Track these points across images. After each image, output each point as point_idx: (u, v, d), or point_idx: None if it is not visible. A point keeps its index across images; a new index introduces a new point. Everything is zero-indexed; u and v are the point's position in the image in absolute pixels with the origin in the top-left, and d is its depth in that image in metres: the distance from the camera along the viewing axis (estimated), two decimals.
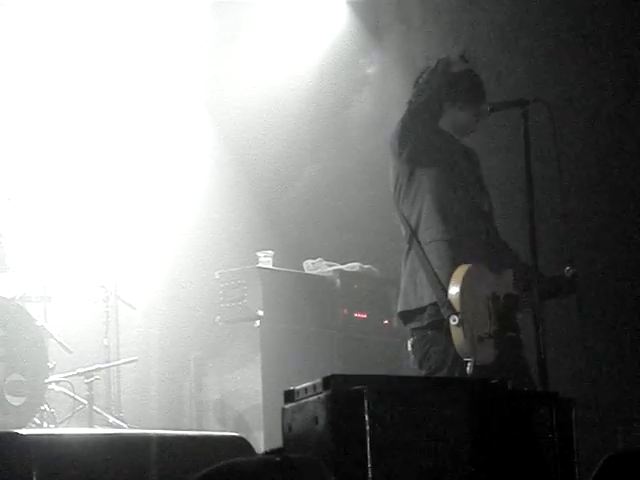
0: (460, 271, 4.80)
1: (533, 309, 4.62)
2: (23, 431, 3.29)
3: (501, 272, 4.96)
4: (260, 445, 6.42)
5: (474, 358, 4.67)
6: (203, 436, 3.54)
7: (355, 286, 7.65)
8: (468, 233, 4.97)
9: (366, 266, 7.89)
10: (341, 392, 2.74)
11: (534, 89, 6.00)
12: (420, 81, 5.16)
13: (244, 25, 8.20)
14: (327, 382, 2.81)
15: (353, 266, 7.84)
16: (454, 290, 4.77)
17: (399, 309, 5.01)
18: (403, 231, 5.06)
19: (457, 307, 4.72)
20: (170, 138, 8.48)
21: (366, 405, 2.70)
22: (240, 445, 3.32)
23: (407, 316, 4.98)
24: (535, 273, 4.68)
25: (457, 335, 4.72)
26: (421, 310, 4.89)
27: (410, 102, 5.14)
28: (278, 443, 3.14)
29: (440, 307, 4.78)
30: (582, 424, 3.39)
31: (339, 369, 7.10)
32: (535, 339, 4.56)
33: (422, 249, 4.91)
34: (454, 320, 4.71)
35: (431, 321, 4.84)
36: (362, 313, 7.63)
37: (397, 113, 5.31)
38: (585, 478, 3.70)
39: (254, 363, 6.95)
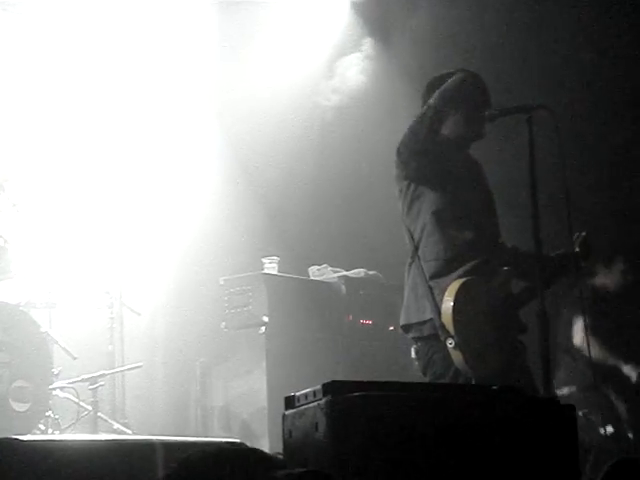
0: (452, 289, 4.83)
1: (539, 316, 4.60)
2: (26, 437, 3.29)
3: (498, 273, 4.96)
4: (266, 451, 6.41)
5: (475, 375, 4.69)
6: (205, 442, 3.53)
7: (360, 292, 7.64)
8: (468, 249, 4.98)
9: (371, 272, 7.89)
10: (340, 398, 2.73)
11: (538, 96, 5.98)
12: (428, 91, 5.18)
13: (251, 27, 8.20)
14: (327, 388, 2.81)
15: (358, 272, 7.84)
16: (447, 309, 4.80)
17: (401, 322, 5.04)
18: (407, 243, 5.08)
19: (451, 328, 4.77)
20: (176, 144, 8.49)
21: (365, 411, 2.70)
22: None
23: (408, 328, 5.01)
24: (538, 264, 4.67)
25: (456, 356, 4.76)
26: (421, 323, 4.91)
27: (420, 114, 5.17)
28: (281, 449, 3.14)
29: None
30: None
31: (344, 375, 7.10)
32: (539, 344, 4.56)
33: (422, 265, 4.94)
34: (450, 343, 4.75)
35: (431, 333, 4.87)
36: (367, 319, 7.62)
37: (404, 119, 5.31)
38: None
39: (259, 369, 6.94)
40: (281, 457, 2.78)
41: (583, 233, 5.17)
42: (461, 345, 4.73)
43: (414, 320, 4.94)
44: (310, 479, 2.47)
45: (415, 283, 4.97)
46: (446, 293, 4.82)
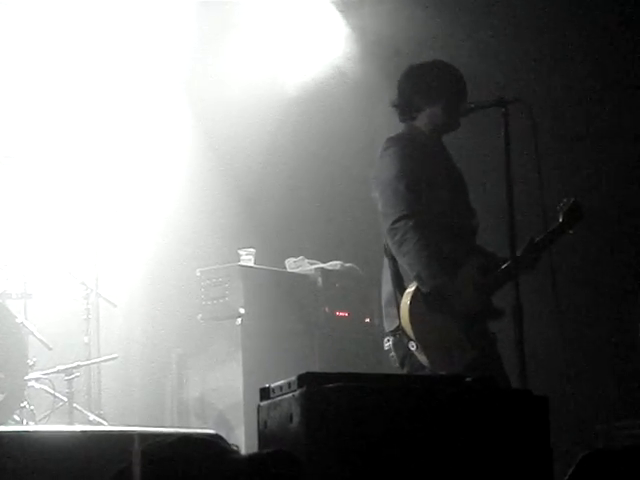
0: (409, 292, 4.84)
1: (513, 307, 4.63)
2: (0, 428, 3.28)
3: (465, 262, 4.97)
4: (241, 443, 6.42)
5: (445, 372, 4.71)
6: (180, 434, 3.53)
7: (337, 284, 7.65)
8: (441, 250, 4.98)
9: (348, 264, 7.90)
10: (315, 390, 2.74)
11: (514, 89, 6.00)
12: (404, 80, 5.19)
13: (228, 21, 8.19)
14: (302, 380, 2.82)
15: (335, 264, 7.85)
16: (404, 313, 4.83)
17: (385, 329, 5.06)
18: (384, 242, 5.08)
19: (410, 332, 4.78)
20: (151, 134, 8.47)
21: (340, 403, 2.71)
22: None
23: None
24: (512, 257, 4.69)
25: (421, 358, 4.78)
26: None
27: (394, 104, 5.18)
28: (256, 440, 3.15)
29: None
30: (559, 422, 3.39)
31: (320, 367, 7.11)
32: (514, 336, 4.58)
33: (392, 266, 4.95)
34: (412, 346, 4.78)
35: None
36: (343, 311, 7.64)
37: (381, 111, 5.34)
38: (561, 477, 3.71)
39: (235, 361, 6.94)
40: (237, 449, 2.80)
41: (572, 199, 5.18)
42: (423, 348, 4.76)
43: (393, 327, 4.96)
44: (278, 458, 2.49)
45: (387, 282, 5.00)
46: (403, 297, 4.85)
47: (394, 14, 7.90)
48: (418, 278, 4.82)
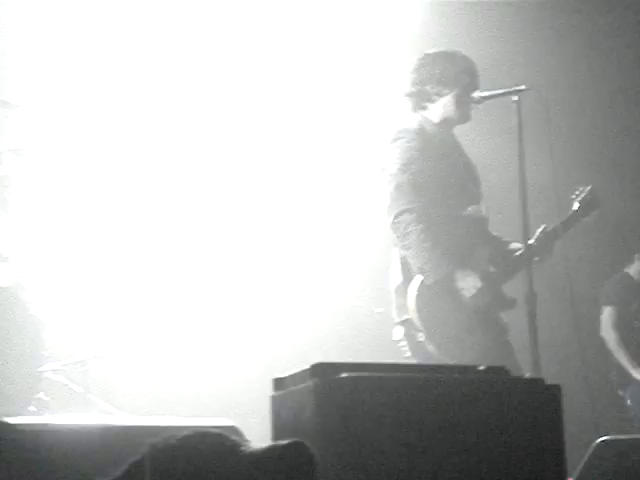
0: (415, 283, 4.84)
1: (527, 296, 4.63)
2: (16, 420, 3.29)
3: (473, 253, 4.97)
4: (255, 432, 6.43)
5: (454, 362, 4.72)
6: (195, 424, 3.54)
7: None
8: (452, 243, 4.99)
9: None
10: (328, 380, 2.75)
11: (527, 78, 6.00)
12: (418, 68, 5.19)
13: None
14: (315, 370, 2.82)
15: None
16: (411, 304, 4.84)
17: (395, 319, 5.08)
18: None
19: (419, 324, 4.79)
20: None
21: (353, 393, 2.71)
22: (232, 433, 3.32)
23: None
24: (525, 245, 4.70)
25: (430, 348, 4.78)
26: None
27: (406, 94, 5.18)
28: (269, 431, 3.16)
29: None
30: (573, 410, 3.40)
31: (333, 357, 7.12)
32: (528, 324, 4.58)
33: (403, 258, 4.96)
34: (421, 337, 4.79)
35: None
36: (356, 301, 7.64)
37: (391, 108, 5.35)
38: (576, 465, 3.72)
39: (250, 351, 6.96)
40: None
41: (588, 187, 5.19)
42: (431, 338, 4.77)
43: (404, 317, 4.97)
44: (292, 450, 2.50)
45: (395, 272, 5.02)
46: (411, 287, 4.85)
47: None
48: (422, 270, 4.82)
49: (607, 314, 7.50)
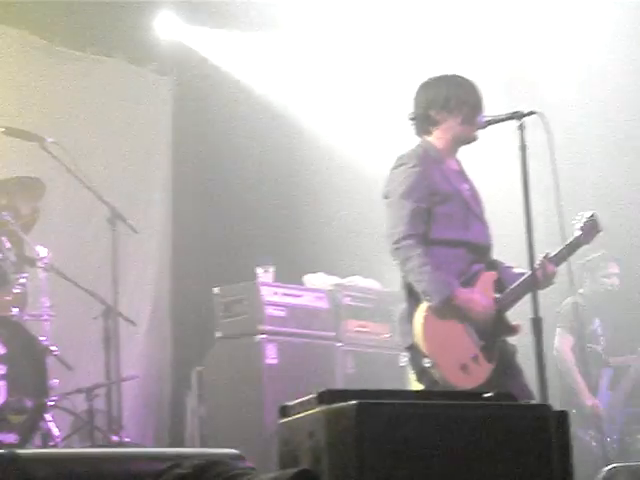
0: (422, 308, 4.84)
1: (533, 320, 4.61)
2: (23, 451, 3.28)
3: (479, 278, 4.97)
4: (262, 461, 6.41)
5: (460, 388, 4.71)
6: (201, 453, 3.53)
7: (356, 299, 7.65)
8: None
9: (367, 279, 7.90)
10: (335, 407, 2.74)
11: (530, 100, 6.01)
12: (418, 95, 5.19)
13: None
14: (321, 397, 2.82)
15: (354, 280, 7.85)
16: (417, 331, 4.82)
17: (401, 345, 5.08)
18: None
19: (424, 350, 4.78)
20: (167, 146, 8.52)
21: (361, 420, 2.70)
22: (238, 461, 3.32)
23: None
24: (531, 269, 4.69)
25: (435, 374, 4.77)
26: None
27: (410, 118, 5.18)
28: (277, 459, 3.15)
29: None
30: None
31: (341, 383, 7.11)
32: (535, 350, 4.57)
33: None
34: (427, 363, 4.78)
35: None
36: (363, 327, 7.64)
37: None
38: None
39: (256, 378, 6.95)
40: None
41: (590, 213, 5.20)
42: (437, 364, 4.76)
43: (408, 343, 4.96)
44: (302, 477, 2.49)
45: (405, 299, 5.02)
46: (417, 313, 4.84)
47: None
48: (425, 294, 4.82)
49: (562, 336, 7.52)
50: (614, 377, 7.50)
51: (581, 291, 7.65)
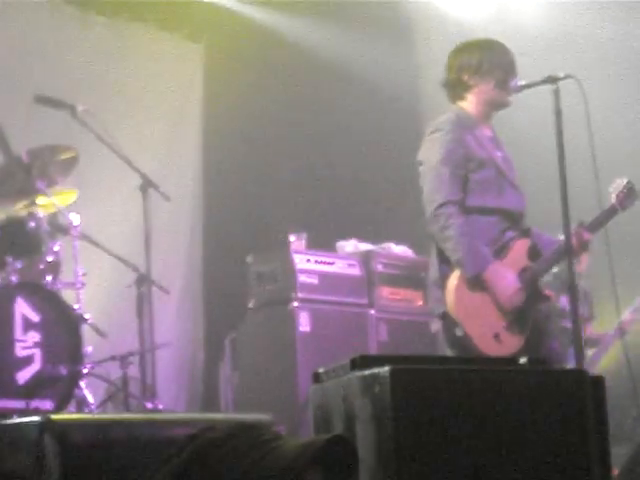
0: (453, 277, 4.81)
1: (569, 281, 4.58)
2: (59, 416, 3.31)
3: (512, 246, 4.94)
4: (295, 427, 6.43)
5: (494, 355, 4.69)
6: (233, 419, 3.55)
7: (389, 266, 7.63)
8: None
9: (400, 246, 7.87)
10: (369, 373, 2.74)
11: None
12: (450, 60, 5.16)
13: None
14: (355, 363, 2.81)
15: (386, 246, 7.83)
16: (450, 300, 4.80)
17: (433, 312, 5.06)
18: None
19: (457, 319, 4.76)
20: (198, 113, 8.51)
21: (394, 385, 2.70)
22: (271, 426, 3.32)
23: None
24: (566, 236, 4.65)
25: (468, 343, 4.75)
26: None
27: (442, 84, 5.15)
28: (310, 424, 3.15)
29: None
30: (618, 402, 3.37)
31: (374, 350, 7.11)
32: (570, 317, 4.55)
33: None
34: (459, 332, 4.76)
35: None
36: (396, 293, 7.62)
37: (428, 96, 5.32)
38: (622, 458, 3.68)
39: (289, 345, 6.96)
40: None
41: (625, 180, 5.15)
42: (469, 333, 4.74)
43: (438, 310, 4.94)
44: (333, 444, 2.48)
45: (434, 265, 4.99)
46: (449, 281, 4.82)
47: None
48: (459, 263, 4.80)
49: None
50: None
51: None
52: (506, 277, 4.83)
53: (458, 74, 5.11)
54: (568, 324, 7.40)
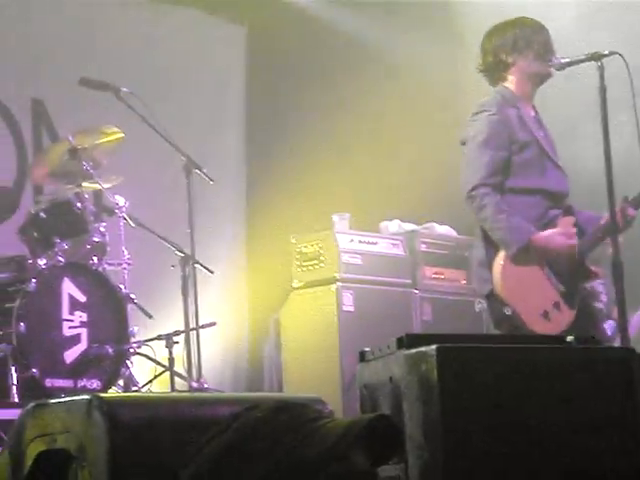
0: (500, 257, 4.80)
1: (613, 264, 4.55)
2: (107, 394, 3.34)
3: (558, 223, 4.92)
4: (340, 406, 6.46)
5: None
6: (283, 398, 3.56)
7: (432, 246, 7.63)
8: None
9: (443, 226, 7.86)
10: (415, 351, 2.74)
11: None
12: (485, 43, 5.14)
13: None
14: (401, 342, 2.82)
15: (430, 226, 7.82)
16: (497, 279, 4.79)
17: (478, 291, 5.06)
18: None
19: (505, 298, 4.75)
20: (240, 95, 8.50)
21: (440, 364, 2.70)
22: (317, 404, 3.34)
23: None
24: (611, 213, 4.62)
25: (517, 322, 4.74)
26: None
27: (480, 70, 5.14)
28: (356, 403, 3.17)
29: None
30: None
31: (418, 330, 7.11)
32: (615, 295, 4.52)
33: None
34: (507, 311, 4.74)
35: None
36: (440, 273, 7.62)
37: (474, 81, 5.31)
38: None
39: (332, 325, 6.98)
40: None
41: None
42: (518, 312, 4.73)
43: (485, 290, 4.94)
44: (378, 423, 2.50)
45: (479, 245, 4.98)
46: (496, 261, 4.81)
47: None
48: (501, 242, 4.80)
49: None
50: None
51: None
52: (554, 234, 4.83)
53: (495, 55, 5.10)
54: (600, 305, 7.38)
